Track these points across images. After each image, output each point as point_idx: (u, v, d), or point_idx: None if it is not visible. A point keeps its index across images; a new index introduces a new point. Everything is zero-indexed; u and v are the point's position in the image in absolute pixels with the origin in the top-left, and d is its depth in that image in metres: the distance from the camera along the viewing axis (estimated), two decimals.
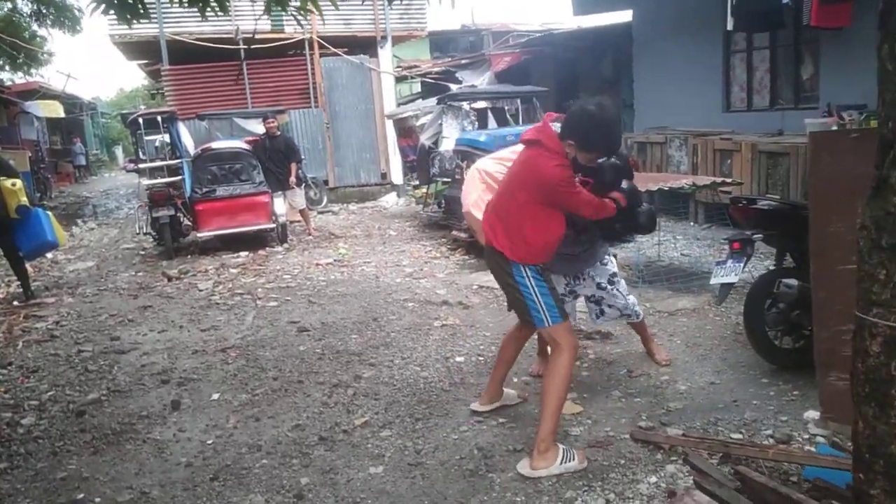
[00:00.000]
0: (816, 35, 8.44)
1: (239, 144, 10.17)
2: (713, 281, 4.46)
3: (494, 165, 7.71)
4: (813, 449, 3.24)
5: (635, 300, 4.34)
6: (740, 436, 3.44)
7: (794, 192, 7.62)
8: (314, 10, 4.22)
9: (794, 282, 4.09)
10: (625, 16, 12.76)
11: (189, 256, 9.45)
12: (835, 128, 7.34)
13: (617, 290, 4.21)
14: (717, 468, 3.04)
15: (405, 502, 3.08)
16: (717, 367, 4.36)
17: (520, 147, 3.61)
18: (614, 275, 4.24)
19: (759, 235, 4.30)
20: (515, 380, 4.35)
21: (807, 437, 3.40)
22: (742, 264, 4.32)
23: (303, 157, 10.96)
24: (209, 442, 3.82)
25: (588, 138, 3.25)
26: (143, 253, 10.06)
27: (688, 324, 5.24)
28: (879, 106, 1.74)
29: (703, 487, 2.78)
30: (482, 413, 3.87)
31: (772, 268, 4.79)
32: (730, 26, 8.85)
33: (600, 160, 3.45)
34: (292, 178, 10.06)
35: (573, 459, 3.23)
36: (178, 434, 3.96)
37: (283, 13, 4.45)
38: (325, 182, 14.22)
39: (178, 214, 9.71)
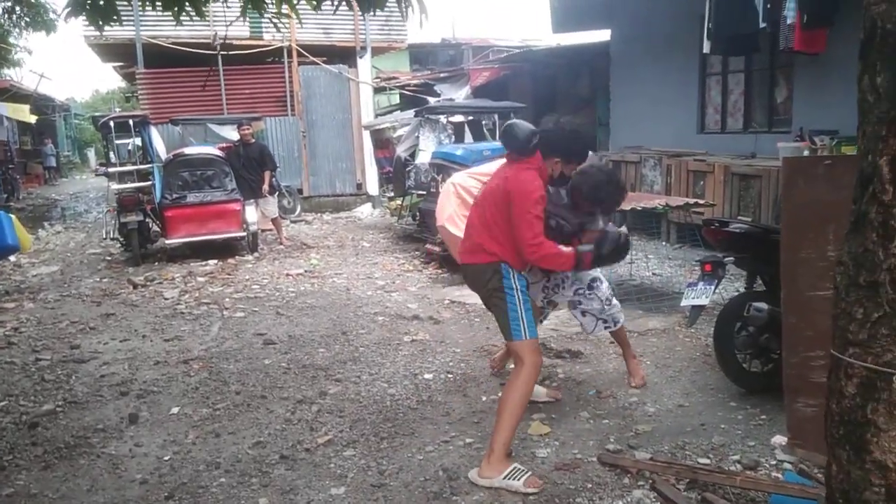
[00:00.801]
0: (791, 60, 8.56)
1: (211, 151, 10.02)
2: (684, 302, 4.44)
3: (470, 180, 7.70)
4: (780, 476, 3.21)
5: (618, 306, 4.29)
6: (708, 460, 3.40)
7: (765, 214, 7.69)
8: (292, 15, 4.15)
9: (764, 305, 4.08)
10: (603, 35, 12.87)
11: (156, 263, 9.26)
12: (807, 152, 7.44)
13: (595, 294, 4.18)
14: (685, 495, 3.00)
15: None
16: (686, 390, 4.33)
17: (496, 163, 3.76)
18: (595, 279, 4.20)
19: (731, 258, 4.30)
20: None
21: (774, 462, 3.37)
22: (713, 286, 4.31)
23: (278, 165, 10.82)
24: (166, 458, 3.69)
25: (570, 150, 3.56)
26: (109, 259, 9.85)
27: (658, 344, 5.22)
28: (859, 139, 1.70)
29: None
30: (449, 434, 3.80)
31: (742, 291, 4.79)
32: (706, 49, 8.95)
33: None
34: (265, 186, 9.94)
35: (518, 479, 3.18)
36: (135, 449, 3.83)
37: (262, 19, 4.38)
38: (300, 191, 14.10)
39: (147, 220, 9.54)
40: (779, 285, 3.48)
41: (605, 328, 4.28)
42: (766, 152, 8.51)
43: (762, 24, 7.99)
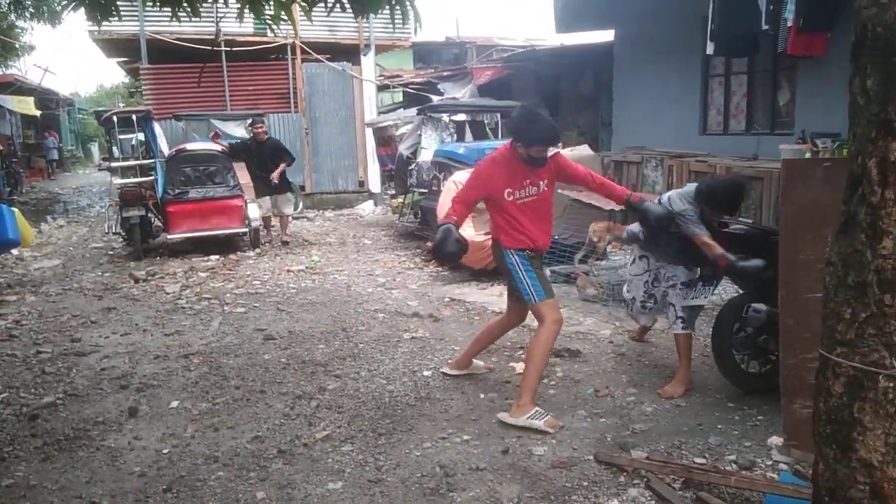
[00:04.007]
0: (794, 62, 8.56)
1: (214, 146, 10.03)
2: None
3: None
4: (775, 476, 3.22)
5: (687, 316, 4.37)
6: (704, 460, 3.42)
7: (766, 216, 7.69)
8: (287, 19, 4.16)
9: (762, 307, 4.09)
10: (606, 35, 12.86)
11: (158, 258, 9.29)
12: (808, 155, 7.43)
13: (684, 292, 4.35)
14: (680, 494, 3.02)
15: None
16: None
17: None
18: (691, 283, 4.36)
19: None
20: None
21: (770, 463, 3.39)
22: (712, 287, 4.33)
23: (294, 157, 10.74)
24: (165, 451, 3.71)
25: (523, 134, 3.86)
26: (111, 253, 9.87)
27: (657, 344, 5.23)
28: (850, 140, 1.72)
29: None
30: (447, 431, 3.83)
31: (741, 292, 4.80)
32: (709, 51, 8.94)
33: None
34: (275, 174, 9.78)
35: (540, 420, 3.74)
36: (134, 442, 3.85)
37: (258, 21, 4.38)
38: (302, 188, 14.11)
39: (149, 215, 9.55)
40: (777, 287, 3.50)
41: (683, 328, 4.36)
42: (769, 154, 8.51)
43: (764, 26, 7.99)
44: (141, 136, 11.00)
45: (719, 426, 3.80)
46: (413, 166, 10.09)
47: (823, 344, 1.79)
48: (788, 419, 3.45)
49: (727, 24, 8.48)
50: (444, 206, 7.45)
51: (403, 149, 10.99)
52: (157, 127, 10.88)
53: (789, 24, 7.61)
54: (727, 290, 5.83)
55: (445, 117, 10.25)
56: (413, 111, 11.99)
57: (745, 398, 4.12)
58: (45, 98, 25.83)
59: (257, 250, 9.56)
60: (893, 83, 1.57)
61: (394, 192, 12.65)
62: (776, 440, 3.55)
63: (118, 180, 10.13)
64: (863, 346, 1.67)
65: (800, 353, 3.34)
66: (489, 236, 7.13)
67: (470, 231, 7.27)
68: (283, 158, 9.98)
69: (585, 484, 3.22)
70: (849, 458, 1.69)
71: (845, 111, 1.74)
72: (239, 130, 11.91)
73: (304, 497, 3.20)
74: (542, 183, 3.97)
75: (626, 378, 4.54)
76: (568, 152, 8.21)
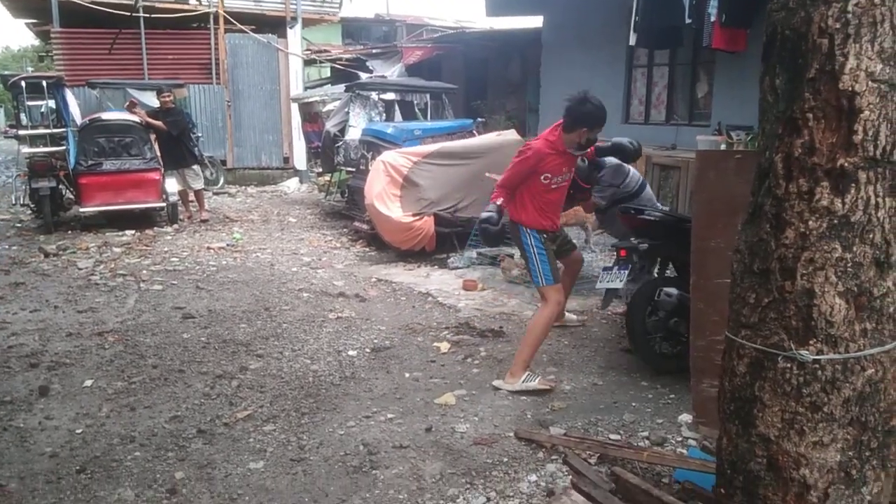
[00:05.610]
0: (713, 56, 8.89)
1: (131, 117, 9.63)
2: (599, 285, 4.62)
3: (400, 159, 7.71)
4: (685, 452, 3.40)
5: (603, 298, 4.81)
6: (619, 436, 3.57)
7: (682, 203, 8.01)
8: None
9: (674, 291, 4.29)
10: (535, 21, 13.00)
11: (70, 232, 8.89)
12: (724, 146, 7.77)
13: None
14: (595, 469, 3.15)
15: (284, 499, 3.01)
16: (601, 369, 4.51)
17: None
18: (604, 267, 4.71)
19: (645, 244, 4.48)
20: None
21: (680, 439, 3.57)
22: (627, 271, 4.49)
23: (199, 133, 10.45)
24: (78, 431, 3.60)
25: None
26: (19, 226, 9.39)
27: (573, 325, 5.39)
28: (759, 136, 1.83)
29: (579, 488, 2.86)
30: (371, 410, 3.85)
31: (655, 276, 5.01)
32: (632, 41, 9.17)
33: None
34: (155, 122, 9.27)
35: (533, 381, 4.09)
36: (45, 422, 3.71)
37: None
38: (223, 162, 13.74)
39: (61, 187, 9.12)
40: (688, 272, 3.66)
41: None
42: (686, 144, 8.84)
43: (687, 20, 8.25)
44: (52, 104, 10.44)
45: (633, 404, 3.97)
46: (340, 144, 9.97)
47: (729, 327, 1.91)
48: (697, 398, 3.63)
49: (650, 17, 8.71)
50: (371, 185, 7.41)
51: (331, 126, 10.82)
52: (69, 94, 10.38)
53: (713, 18, 7.88)
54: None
55: (375, 96, 10.15)
56: (341, 88, 11.82)
57: (657, 378, 4.30)
58: None
59: (175, 226, 9.27)
60: (800, 83, 1.68)
61: (320, 169, 12.47)
62: (686, 417, 3.74)
63: (26, 149, 9.61)
64: (765, 329, 1.79)
65: (709, 335, 3.51)
66: (416, 217, 7.23)
67: (398, 212, 7.27)
68: (183, 127, 9.48)
69: (506, 460, 3.31)
70: (749, 433, 1.82)
71: (759, 105, 1.84)
72: (156, 101, 11.45)
73: (225, 476, 3.17)
74: (570, 167, 4.27)
75: (546, 357, 4.66)
76: (495, 137, 8.29)
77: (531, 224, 4.16)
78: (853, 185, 1.66)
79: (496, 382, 4.18)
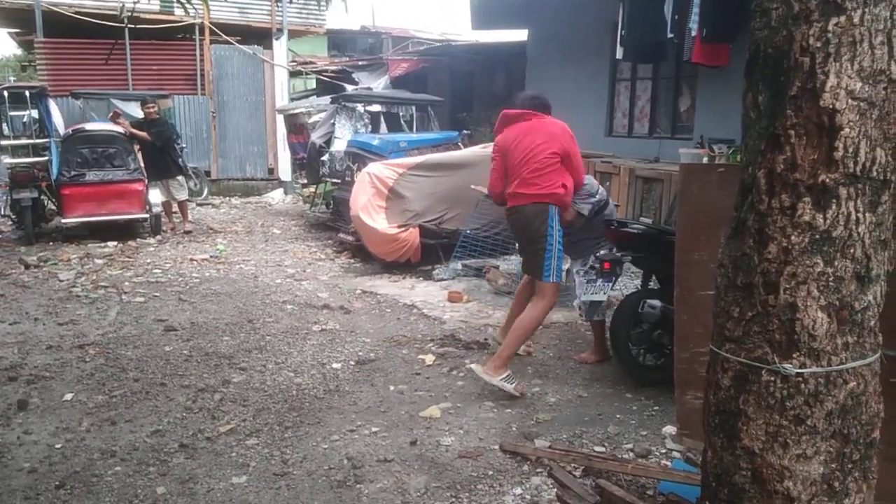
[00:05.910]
0: (696, 71, 9.00)
1: (114, 127, 9.57)
2: (583, 298, 4.63)
3: (386, 171, 7.71)
4: (669, 464, 3.41)
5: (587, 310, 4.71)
6: (603, 449, 3.57)
7: (665, 216, 8.06)
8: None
9: (657, 303, 4.31)
10: (521, 35, 13.09)
11: (51, 243, 8.80)
12: (706, 159, 7.84)
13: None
14: (580, 481, 3.14)
15: None
16: (585, 381, 4.51)
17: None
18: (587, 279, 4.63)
19: (629, 257, 4.51)
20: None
21: (664, 451, 3.58)
22: (611, 283, 4.51)
23: (183, 144, 10.41)
24: (58, 446, 3.54)
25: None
26: None
27: (561, 337, 5.41)
28: (742, 151, 1.85)
29: (564, 501, 2.86)
30: (356, 423, 3.83)
31: (638, 288, 5.03)
32: (619, 55, 9.27)
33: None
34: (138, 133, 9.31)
35: (510, 384, 4.07)
36: (23, 437, 3.65)
37: None
38: (207, 173, 13.67)
39: (42, 197, 9.04)
40: (672, 284, 3.68)
41: (584, 320, 4.96)
42: (669, 157, 8.93)
43: (669, 35, 8.35)
44: (35, 114, 10.36)
45: (618, 416, 3.98)
46: (326, 156, 9.96)
47: (714, 340, 1.92)
48: (681, 410, 3.64)
49: (635, 31, 8.82)
50: (357, 197, 7.40)
51: (316, 137, 10.81)
52: (52, 104, 10.29)
53: (693, 33, 7.99)
54: (627, 286, 6.10)
55: (360, 107, 10.17)
56: (327, 99, 11.83)
57: (641, 390, 4.32)
58: None
59: (158, 237, 9.21)
60: (782, 101, 1.70)
61: (305, 181, 12.44)
62: (670, 429, 3.75)
63: (8, 159, 9.51)
64: (748, 342, 1.80)
65: (692, 347, 3.53)
66: (401, 229, 7.23)
67: (383, 223, 7.26)
68: (167, 138, 9.49)
69: (491, 473, 3.30)
70: (734, 446, 1.83)
71: (740, 119, 1.87)
72: (141, 112, 11.40)
73: (207, 491, 3.13)
74: None
75: (531, 369, 4.67)
76: (480, 149, 8.32)
77: (565, 201, 4.23)
78: (834, 200, 1.68)
79: (474, 366, 4.23)
